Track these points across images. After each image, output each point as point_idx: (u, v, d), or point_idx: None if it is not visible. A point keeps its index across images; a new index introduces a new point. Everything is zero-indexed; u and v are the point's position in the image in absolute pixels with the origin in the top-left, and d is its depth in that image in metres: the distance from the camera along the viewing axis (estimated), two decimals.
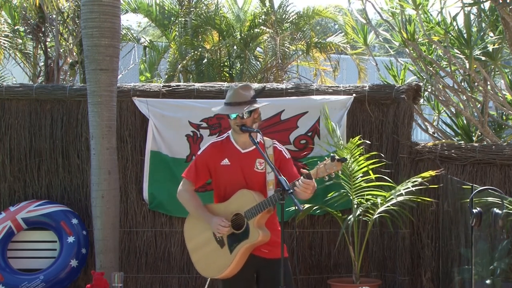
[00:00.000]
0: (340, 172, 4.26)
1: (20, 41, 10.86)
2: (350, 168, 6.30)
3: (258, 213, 4.30)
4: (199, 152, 4.58)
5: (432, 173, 6.34)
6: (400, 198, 6.16)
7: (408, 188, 6.12)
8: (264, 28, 11.33)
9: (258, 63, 11.26)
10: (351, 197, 6.34)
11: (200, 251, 4.50)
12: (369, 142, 6.62)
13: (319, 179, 4.24)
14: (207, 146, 4.56)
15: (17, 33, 10.75)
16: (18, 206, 6.69)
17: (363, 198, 6.31)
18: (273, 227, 4.47)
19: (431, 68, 7.98)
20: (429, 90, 8.39)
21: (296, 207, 4.04)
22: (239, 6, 12.39)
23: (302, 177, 4.19)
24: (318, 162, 4.27)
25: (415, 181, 6.18)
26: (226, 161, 4.46)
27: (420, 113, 8.38)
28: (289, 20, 11.77)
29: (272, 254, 4.40)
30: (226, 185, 4.47)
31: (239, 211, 4.37)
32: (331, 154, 4.21)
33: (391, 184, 6.31)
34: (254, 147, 4.42)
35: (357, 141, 6.28)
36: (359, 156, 6.34)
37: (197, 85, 7.08)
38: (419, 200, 6.34)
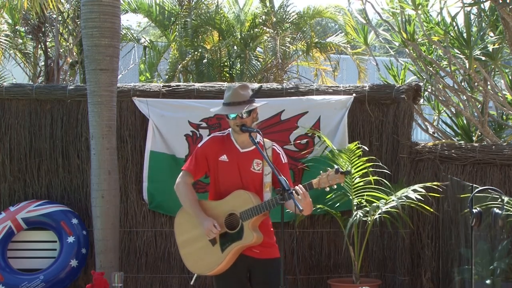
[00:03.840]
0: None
1: (20, 41, 10.86)
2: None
3: (254, 216, 4.30)
4: (199, 145, 4.58)
5: (436, 183, 6.32)
6: (400, 201, 6.13)
7: (409, 194, 6.10)
8: (265, 28, 11.33)
9: (258, 63, 11.25)
10: (350, 197, 6.34)
11: (191, 247, 4.50)
12: (367, 149, 6.59)
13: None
14: (207, 139, 4.56)
15: (17, 33, 10.76)
16: (18, 206, 6.69)
17: (363, 199, 6.30)
18: (266, 228, 4.48)
19: (431, 68, 7.98)
20: (429, 90, 8.38)
21: (296, 207, 4.05)
22: (240, 6, 12.39)
23: (300, 185, 4.20)
24: (320, 171, 4.28)
25: (416, 189, 6.14)
26: (224, 157, 4.46)
27: (420, 113, 8.38)
28: (289, 20, 11.77)
29: (263, 254, 4.41)
30: (222, 182, 4.48)
31: (234, 211, 4.37)
32: (336, 167, 4.21)
33: (390, 190, 6.30)
34: (253, 147, 4.43)
35: (355, 145, 6.29)
36: (358, 158, 6.33)
37: (197, 85, 7.09)
38: (418, 207, 6.31)
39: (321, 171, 4.28)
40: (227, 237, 4.37)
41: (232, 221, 4.39)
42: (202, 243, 4.44)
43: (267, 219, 4.51)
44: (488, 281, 5.78)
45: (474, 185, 5.74)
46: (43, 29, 10.46)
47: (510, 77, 7.92)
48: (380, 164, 6.52)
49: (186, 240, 4.53)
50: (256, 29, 11.45)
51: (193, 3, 11.89)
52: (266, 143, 4.47)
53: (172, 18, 11.96)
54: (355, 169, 6.32)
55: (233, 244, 4.35)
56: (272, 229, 4.54)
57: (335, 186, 4.23)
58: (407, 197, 6.07)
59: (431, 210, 6.44)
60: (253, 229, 4.33)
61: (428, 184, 6.25)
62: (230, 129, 4.55)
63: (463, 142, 7.56)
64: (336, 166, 4.22)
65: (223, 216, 4.40)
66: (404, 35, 7.71)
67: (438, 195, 6.48)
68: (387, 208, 6.10)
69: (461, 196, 6.02)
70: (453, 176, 6.60)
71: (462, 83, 8.31)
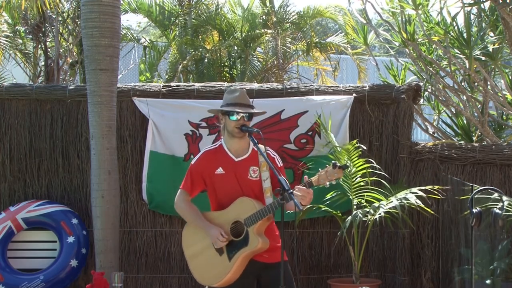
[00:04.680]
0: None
1: (20, 41, 10.86)
2: (349, 169, 6.29)
3: (258, 220, 4.29)
4: (192, 162, 4.56)
5: (436, 186, 6.29)
6: (400, 203, 6.12)
7: (409, 196, 6.08)
8: (265, 29, 11.33)
9: (258, 63, 11.26)
10: (350, 197, 6.34)
11: (198, 258, 4.48)
12: (365, 148, 6.59)
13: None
14: (200, 155, 4.54)
15: (17, 33, 10.75)
16: (18, 206, 6.69)
17: (363, 199, 6.30)
18: (272, 233, 4.47)
19: (431, 68, 7.98)
20: (429, 90, 8.38)
21: (296, 207, 4.05)
22: (243, 6, 12.39)
23: (301, 184, 4.20)
24: (319, 168, 4.27)
25: (416, 192, 6.13)
26: (220, 170, 4.45)
27: (420, 113, 8.38)
28: (289, 20, 11.77)
29: (272, 258, 4.40)
30: (222, 194, 4.46)
31: (239, 218, 4.36)
32: (333, 161, 4.21)
33: (389, 190, 6.30)
34: (247, 155, 4.44)
35: (355, 144, 6.29)
36: (358, 158, 6.33)
37: (197, 85, 7.09)
38: (418, 209, 6.30)
39: (319, 169, 4.28)
40: (233, 245, 4.35)
41: (237, 228, 4.37)
42: (209, 254, 4.42)
43: (272, 224, 4.50)
44: (488, 281, 5.78)
45: (474, 185, 5.74)
46: (43, 29, 10.46)
47: (510, 77, 7.92)
48: (377, 166, 6.48)
49: (194, 252, 4.52)
50: (257, 30, 11.45)
51: (193, 3, 11.89)
52: (260, 148, 4.46)
53: (172, 18, 11.97)
54: (356, 168, 6.32)
55: (239, 251, 4.33)
56: (277, 233, 4.53)
57: (335, 182, 4.22)
58: (406, 199, 6.06)
59: (431, 211, 6.41)
60: (259, 234, 4.32)
61: (429, 188, 6.24)
62: (221, 140, 4.53)
63: (463, 142, 7.56)
64: (333, 161, 4.22)
65: (228, 224, 4.39)
66: (404, 35, 7.71)
67: (438, 197, 6.47)
68: (386, 209, 6.10)
69: (461, 195, 6.01)
70: (453, 176, 6.60)
71: (462, 83, 8.31)
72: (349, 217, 6.18)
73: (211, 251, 4.42)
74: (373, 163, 6.42)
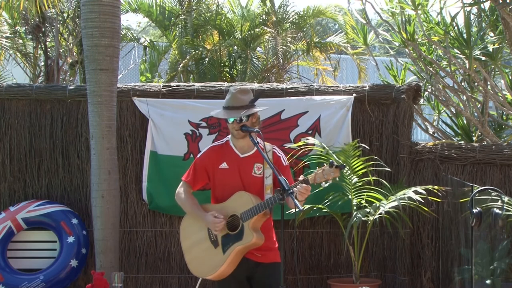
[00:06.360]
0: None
1: (21, 41, 10.86)
2: (347, 170, 6.29)
3: (254, 215, 4.31)
4: (198, 156, 4.62)
5: (437, 187, 6.30)
6: (402, 202, 6.12)
7: (409, 194, 6.08)
8: (265, 28, 11.33)
9: (259, 63, 11.26)
10: (350, 197, 6.33)
11: (194, 250, 4.51)
12: (368, 148, 6.59)
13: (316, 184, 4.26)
14: (206, 150, 4.59)
15: (18, 33, 10.76)
16: (18, 206, 6.69)
17: (363, 199, 6.30)
18: (268, 234, 4.48)
19: (431, 68, 7.98)
20: (429, 90, 8.39)
21: (296, 207, 4.05)
22: (242, 5, 12.39)
23: (299, 182, 4.21)
24: (317, 167, 4.28)
25: (417, 191, 6.12)
26: (224, 165, 4.48)
27: (420, 113, 8.38)
28: (289, 20, 11.78)
29: (264, 258, 4.42)
30: (223, 188, 4.49)
31: (236, 212, 4.38)
32: (330, 160, 4.22)
33: (390, 190, 6.30)
34: (253, 152, 4.45)
35: (355, 144, 6.28)
36: (358, 158, 6.33)
37: (197, 85, 7.09)
38: (418, 209, 6.29)
39: (317, 167, 4.29)
40: (229, 238, 4.38)
41: (234, 222, 4.39)
42: (204, 246, 4.45)
43: (269, 223, 4.51)
44: (488, 281, 5.78)
45: (474, 185, 5.73)
46: (43, 29, 10.46)
47: (510, 77, 7.92)
48: (381, 163, 6.49)
49: (190, 244, 4.55)
50: (257, 29, 11.45)
51: (194, 3, 11.89)
52: (267, 146, 4.47)
53: (172, 18, 11.97)
54: (353, 169, 6.32)
55: (234, 245, 4.35)
56: (274, 234, 4.54)
57: (331, 181, 4.22)
58: (409, 198, 6.06)
59: (431, 212, 6.41)
60: (254, 230, 4.34)
61: (429, 187, 6.24)
62: (228, 136, 4.57)
63: (463, 142, 7.55)
64: (330, 160, 4.22)
65: (225, 218, 4.41)
66: (404, 35, 7.71)
67: (439, 200, 6.46)
68: (387, 209, 6.09)
69: (461, 201, 6.01)
70: (453, 176, 6.60)
71: (462, 83, 8.31)
72: (350, 219, 6.16)
73: (206, 244, 4.44)
74: (378, 161, 6.41)
